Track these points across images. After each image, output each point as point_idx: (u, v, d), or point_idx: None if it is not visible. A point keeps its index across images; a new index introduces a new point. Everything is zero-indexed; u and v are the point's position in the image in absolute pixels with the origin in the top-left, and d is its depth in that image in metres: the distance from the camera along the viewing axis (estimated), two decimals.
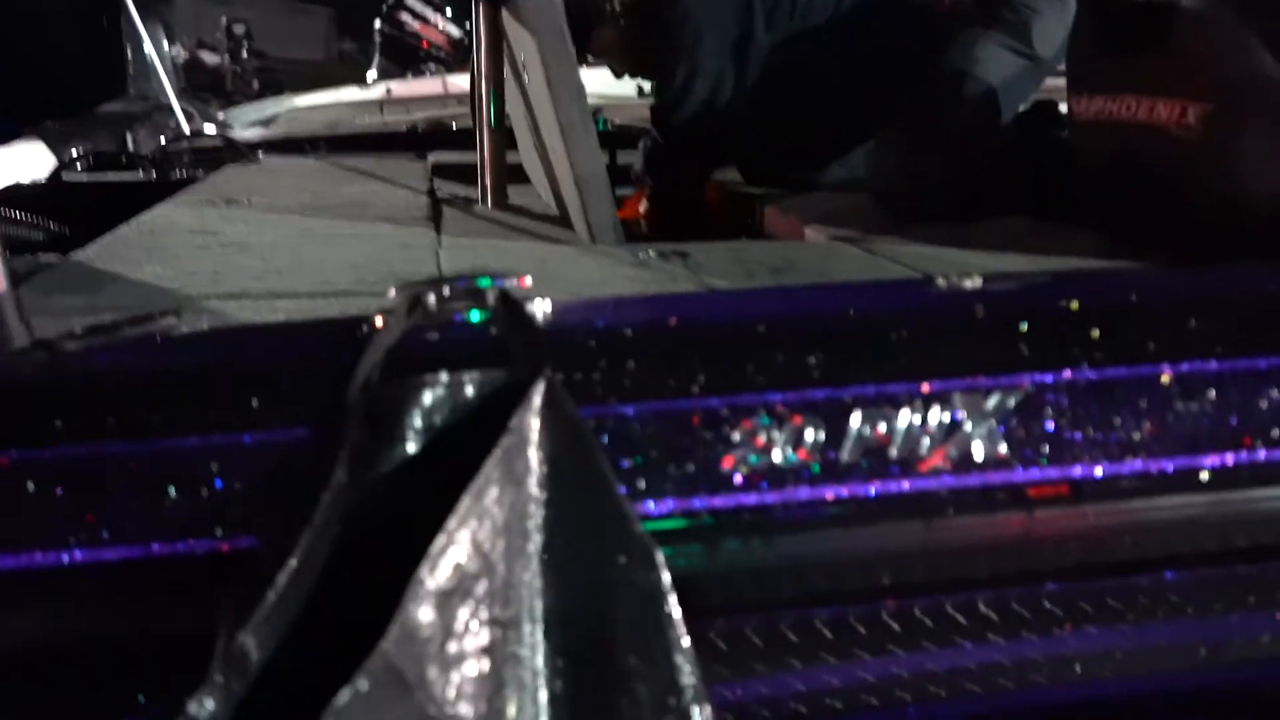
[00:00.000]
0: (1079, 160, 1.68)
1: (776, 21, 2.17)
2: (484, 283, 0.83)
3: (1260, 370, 0.85)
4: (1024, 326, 0.83)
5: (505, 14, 1.80)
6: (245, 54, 10.96)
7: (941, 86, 1.87)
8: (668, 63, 2.18)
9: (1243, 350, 0.84)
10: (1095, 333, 0.83)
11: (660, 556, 0.70)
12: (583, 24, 2.23)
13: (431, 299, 0.82)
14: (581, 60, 2.26)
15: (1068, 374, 0.81)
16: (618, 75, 2.50)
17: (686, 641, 0.64)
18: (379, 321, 0.79)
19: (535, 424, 0.70)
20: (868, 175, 1.96)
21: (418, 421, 0.74)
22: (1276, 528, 0.86)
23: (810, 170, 2.18)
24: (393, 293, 0.81)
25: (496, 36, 1.89)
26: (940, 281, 0.89)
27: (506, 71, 1.92)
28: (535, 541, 0.69)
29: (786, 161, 2.23)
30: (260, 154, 2.70)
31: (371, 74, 9.51)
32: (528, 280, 0.84)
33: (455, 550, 0.67)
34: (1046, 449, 0.80)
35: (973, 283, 0.90)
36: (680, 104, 2.17)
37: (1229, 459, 0.84)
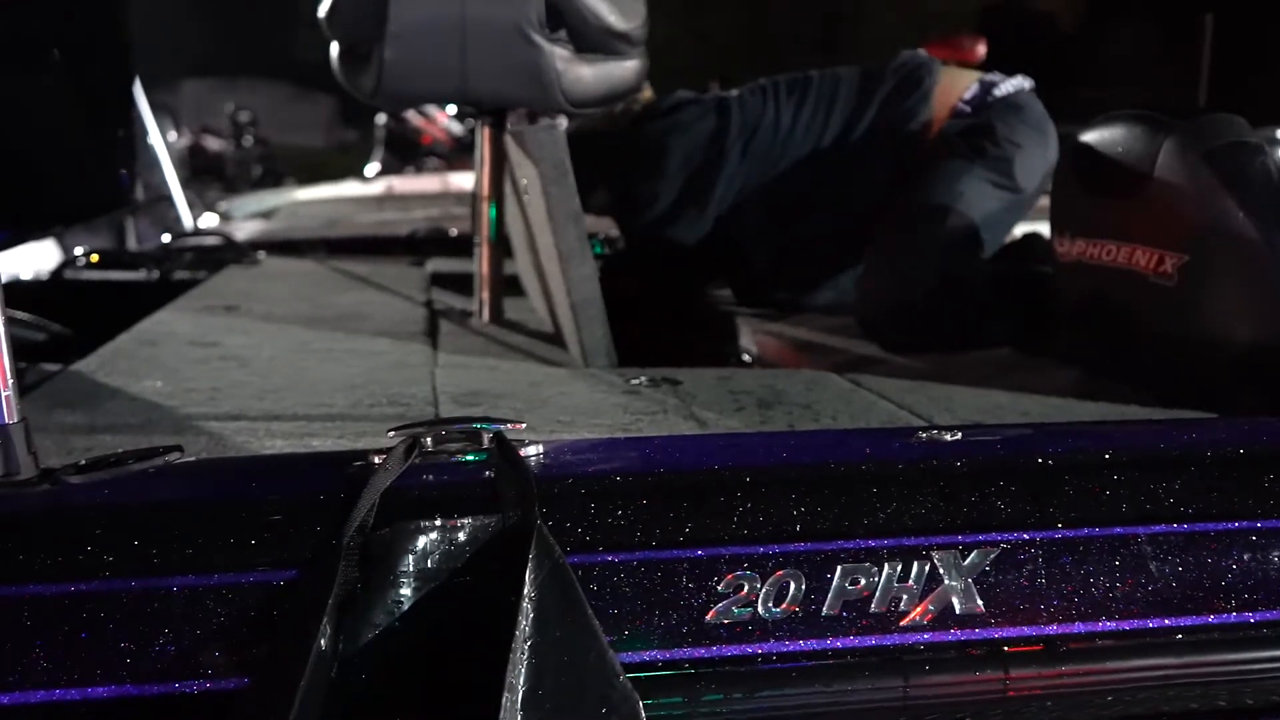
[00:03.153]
0: (1061, 297, 1.73)
1: (754, 149, 2.23)
2: (480, 425, 0.86)
3: (1232, 531, 0.88)
4: (1001, 483, 0.86)
5: (508, 137, 1.86)
6: (250, 140, 11.13)
7: (926, 218, 1.93)
8: (640, 189, 2.24)
9: (1215, 512, 0.87)
10: (1070, 491, 0.86)
11: (641, 708, 0.72)
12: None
13: (429, 440, 0.85)
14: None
15: (1043, 532, 0.84)
16: (597, 214, 2.53)
17: None
18: (376, 460, 0.81)
19: (528, 573, 0.72)
20: (854, 302, 2.00)
21: (410, 566, 0.75)
22: (1252, 689, 0.88)
23: (800, 293, 2.23)
24: (391, 434, 0.83)
25: (499, 155, 1.95)
26: (922, 434, 0.92)
27: (506, 187, 1.98)
28: (520, 690, 0.70)
29: (776, 283, 2.28)
30: (261, 253, 2.74)
31: (372, 167, 9.67)
32: (522, 424, 0.86)
33: None
34: (1023, 606, 0.82)
35: (953, 435, 0.93)
36: (642, 212, 2.23)
37: (1207, 620, 0.86)
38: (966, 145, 2.04)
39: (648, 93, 2.26)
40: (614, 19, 1.71)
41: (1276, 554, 0.87)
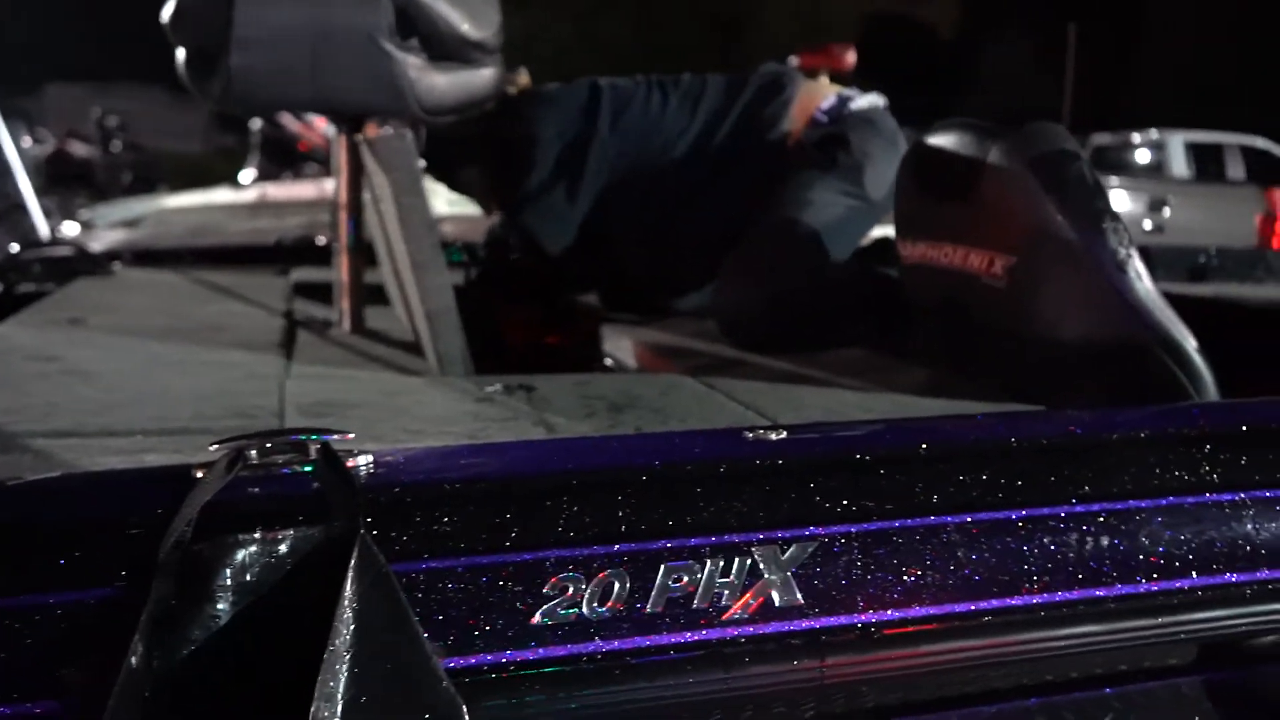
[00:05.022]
0: (910, 299, 1.80)
1: (622, 129, 2.26)
2: (307, 436, 0.86)
3: (1036, 517, 0.93)
4: (821, 479, 0.89)
5: (364, 145, 1.85)
6: (119, 146, 10.72)
7: (779, 224, 1.99)
8: (513, 175, 2.25)
9: (1020, 500, 0.92)
10: (886, 484, 0.90)
11: (464, 711, 0.73)
12: (441, 159, 2.30)
13: (253, 453, 0.84)
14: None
15: (859, 525, 0.88)
16: (487, 212, 2.56)
17: None
18: (198, 475, 0.80)
19: (347, 583, 0.72)
20: (710, 304, 2.05)
21: (229, 580, 0.75)
22: (1054, 666, 0.93)
23: (665, 297, 2.27)
24: (213, 447, 0.83)
25: (356, 163, 1.94)
26: (748, 434, 0.95)
27: (368, 195, 1.97)
28: (342, 702, 0.71)
29: (641, 288, 2.32)
30: (118, 264, 2.65)
31: (247, 174, 9.43)
32: (351, 435, 0.87)
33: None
34: (839, 597, 0.86)
35: (778, 435, 0.96)
36: (519, 212, 2.24)
37: (1012, 602, 0.91)
38: (821, 155, 2.11)
39: (525, 78, 2.27)
40: (467, 27, 1.72)
41: (1076, 537, 0.93)
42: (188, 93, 1.82)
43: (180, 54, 1.81)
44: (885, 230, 2.24)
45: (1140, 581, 0.92)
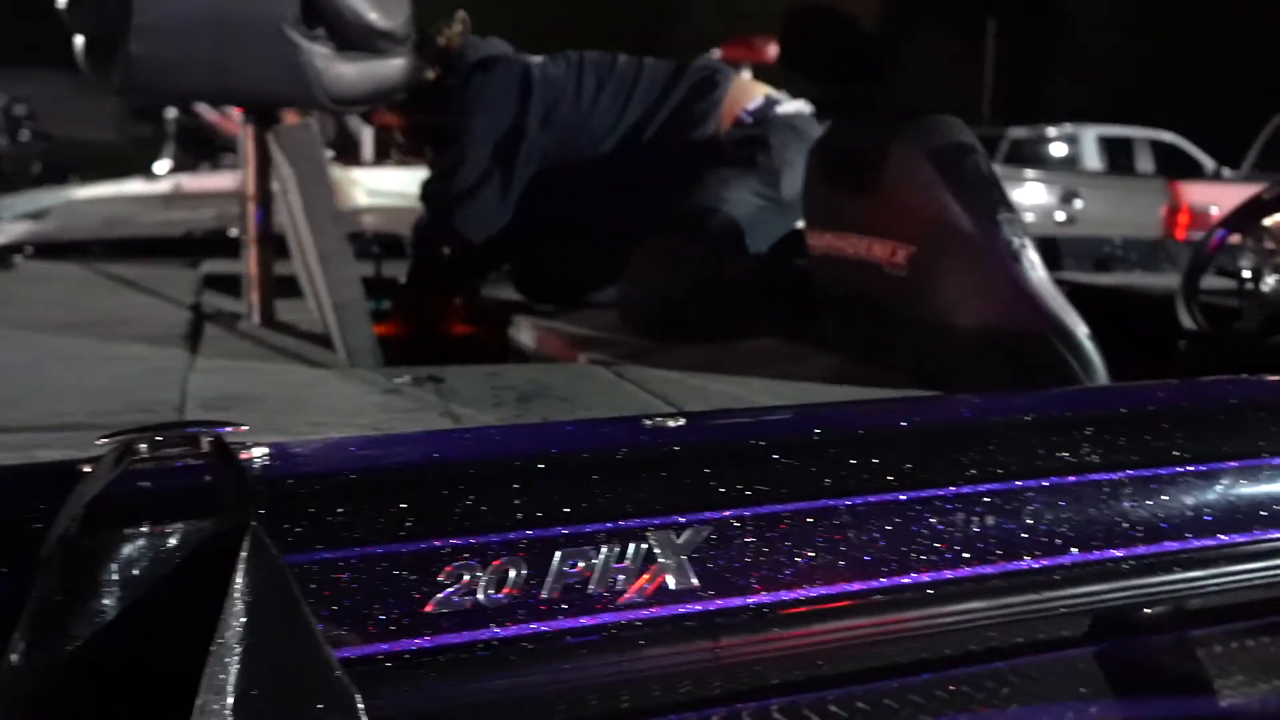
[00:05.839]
0: (817, 289, 1.83)
1: (553, 123, 2.26)
2: (199, 429, 0.85)
3: (924, 499, 0.96)
4: (716, 465, 0.91)
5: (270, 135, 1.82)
6: (27, 135, 10.37)
7: (691, 219, 2.01)
8: (441, 155, 2.23)
9: (908, 482, 0.94)
10: (779, 469, 0.92)
11: (357, 700, 0.73)
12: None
13: (143, 446, 0.83)
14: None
15: (753, 508, 0.90)
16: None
17: None
18: (86, 469, 0.79)
19: (237, 575, 0.72)
20: (619, 297, 2.06)
21: (115, 575, 0.74)
22: (946, 641, 0.96)
23: (582, 288, 2.28)
24: (101, 441, 0.81)
25: (265, 154, 1.91)
26: (646, 422, 0.97)
27: (277, 185, 1.94)
28: (233, 694, 0.70)
29: (558, 277, 2.32)
30: (20, 258, 2.58)
31: (162, 164, 9.19)
32: (244, 427, 0.86)
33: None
34: (733, 579, 0.87)
35: (676, 422, 0.98)
36: (444, 192, 2.23)
37: (901, 580, 0.94)
38: (741, 154, 2.13)
39: (459, 27, 2.24)
40: (374, 16, 1.70)
41: (962, 517, 0.96)
42: (94, 83, 1.78)
43: (78, 41, 1.76)
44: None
45: (1024, 559, 0.96)
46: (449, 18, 2.25)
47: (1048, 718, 1.04)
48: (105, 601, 0.73)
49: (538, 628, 0.82)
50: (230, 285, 2.20)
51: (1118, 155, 12.09)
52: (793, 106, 2.22)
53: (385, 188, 5.49)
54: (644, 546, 0.85)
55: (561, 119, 2.23)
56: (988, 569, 0.95)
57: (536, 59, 2.30)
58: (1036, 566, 0.96)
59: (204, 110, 8.99)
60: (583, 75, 2.26)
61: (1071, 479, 0.99)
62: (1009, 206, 1.45)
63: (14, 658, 0.68)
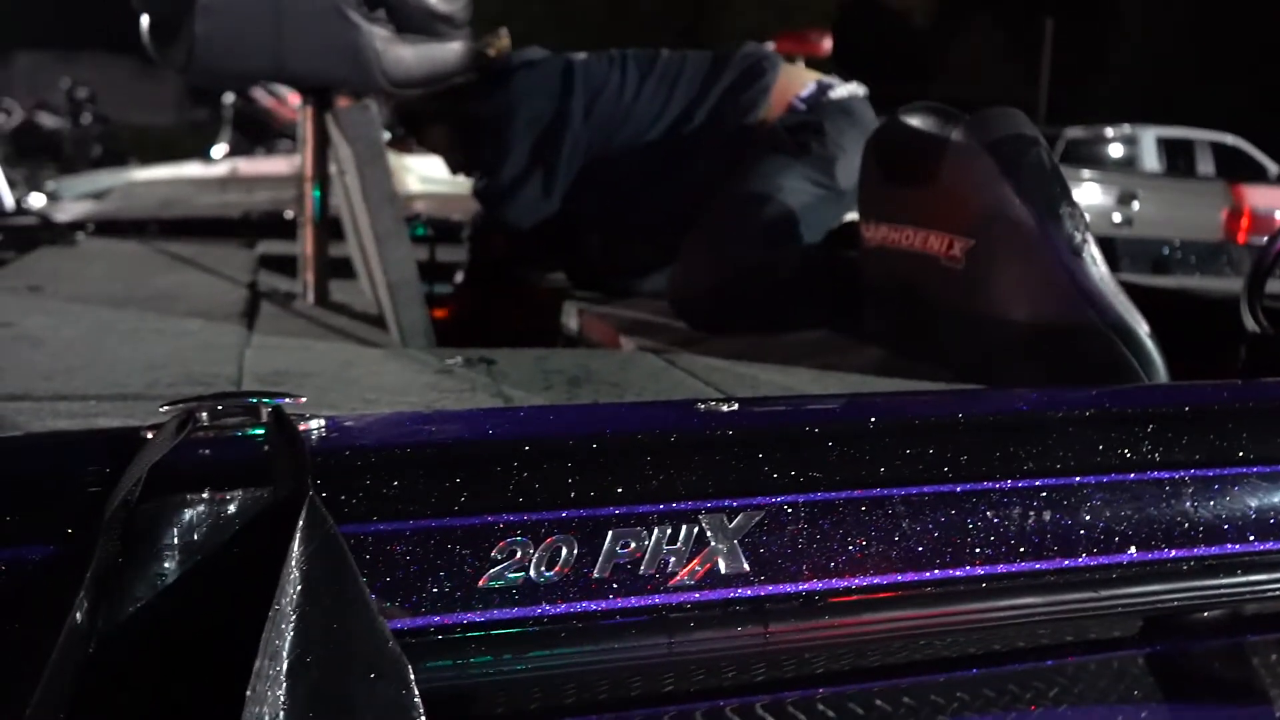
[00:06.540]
0: (868, 281, 1.82)
1: (597, 114, 2.26)
2: (259, 399, 0.86)
3: (978, 491, 0.95)
4: (769, 450, 0.91)
5: (329, 117, 1.84)
6: (89, 119, 10.55)
7: (744, 208, 1.99)
8: (486, 153, 2.24)
9: (962, 474, 0.93)
10: (832, 456, 0.91)
11: (409, 671, 0.73)
12: (415, 119, 2.29)
13: (204, 415, 0.84)
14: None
15: (805, 495, 0.89)
16: (453, 173, 2.56)
17: None
18: (148, 435, 0.80)
19: (294, 543, 0.73)
20: (668, 285, 2.06)
21: (175, 539, 0.75)
22: (996, 636, 0.95)
23: (631, 276, 2.28)
24: (164, 408, 0.83)
25: (323, 134, 1.93)
26: (699, 405, 0.96)
27: (334, 167, 1.96)
28: (287, 660, 0.71)
29: (608, 266, 2.32)
30: (82, 235, 2.63)
31: (219, 149, 9.32)
32: (303, 399, 0.87)
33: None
34: (784, 565, 0.87)
35: (729, 406, 0.97)
36: (491, 189, 2.23)
37: (953, 573, 0.92)
38: (793, 142, 2.11)
39: (505, 41, 2.26)
40: (435, 1, 1.71)
41: (1018, 511, 0.94)
42: (157, 64, 1.80)
43: (144, 21, 1.79)
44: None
45: (1080, 555, 0.94)
46: (493, 31, 2.26)
47: (1097, 718, 1.02)
48: (165, 565, 0.74)
49: (588, 606, 0.82)
50: (285, 266, 2.22)
51: (1177, 157, 11.86)
52: (846, 90, 2.20)
53: (438, 175, 5.53)
54: (696, 529, 0.84)
55: (605, 111, 2.23)
56: (1042, 564, 0.94)
57: (579, 56, 2.31)
58: (1092, 564, 0.94)
59: (260, 96, 9.10)
60: (625, 68, 2.26)
61: (1131, 476, 0.97)
62: (1071, 201, 1.42)
63: (78, 617, 0.69)
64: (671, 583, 0.84)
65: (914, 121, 1.63)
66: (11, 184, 3.62)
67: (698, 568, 0.84)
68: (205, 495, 0.76)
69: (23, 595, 0.71)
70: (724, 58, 2.28)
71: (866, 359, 1.68)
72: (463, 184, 2.79)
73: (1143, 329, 1.41)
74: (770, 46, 2.71)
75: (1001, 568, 0.93)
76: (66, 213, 3.52)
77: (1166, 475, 0.97)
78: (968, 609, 0.93)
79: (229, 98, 9.70)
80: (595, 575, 0.82)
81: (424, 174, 5.79)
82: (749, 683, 0.88)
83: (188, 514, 0.76)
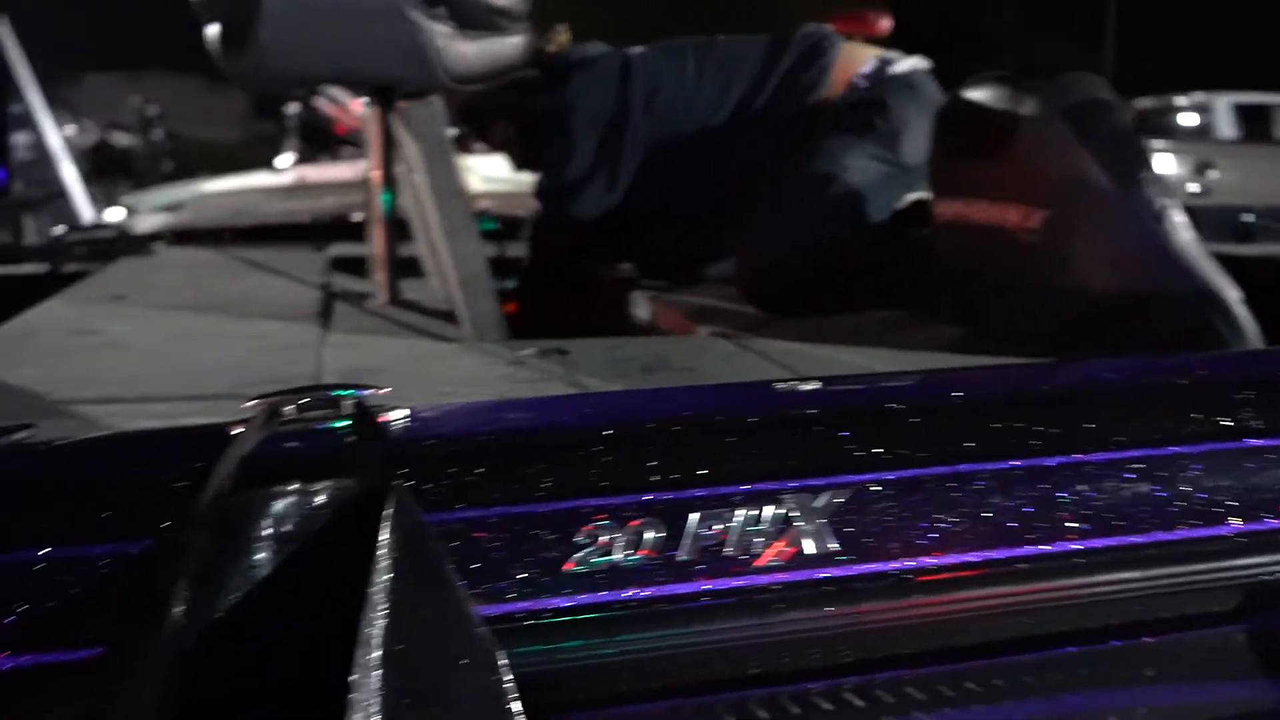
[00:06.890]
0: (941, 258, 1.78)
1: (657, 107, 2.25)
2: (342, 392, 0.87)
3: (1067, 465, 0.92)
4: (852, 429, 0.89)
5: (394, 116, 1.86)
6: (158, 135, 10.84)
7: (808, 188, 1.97)
8: (547, 150, 2.25)
9: (1051, 448, 0.91)
10: (917, 433, 0.90)
11: (498, 657, 0.73)
12: (477, 115, 2.30)
13: (289, 408, 0.85)
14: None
15: (891, 473, 0.87)
16: (517, 168, 2.57)
17: None
18: (235, 431, 0.81)
19: (383, 533, 0.73)
20: (744, 271, 2.04)
21: (267, 531, 0.76)
22: (1088, 613, 0.92)
23: (699, 265, 2.27)
24: (251, 402, 0.84)
25: (388, 135, 1.95)
26: (778, 386, 0.95)
27: (401, 167, 1.98)
28: (381, 649, 0.72)
29: (678, 254, 2.31)
30: (159, 245, 2.69)
31: (284, 159, 9.49)
32: (385, 390, 0.88)
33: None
34: (872, 545, 0.85)
35: (809, 386, 0.96)
36: (555, 186, 2.24)
37: (1045, 549, 0.90)
38: (856, 119, 2.09)
39: (564, 36, 2.27)
40: None
41: (1112, 484, 0.92)
42: (222, 80, 1.83)
43: (211, 31, 1.82)
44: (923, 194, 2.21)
45: (1176, 528, 0.91)
46: (552, 28, 2.27)
47: (1196, 696, 0.99)
48: (258, 557, 0.75)
49: (674, 589, 0.81)
50: (356, 267, 2.25)
51: (1254, 122, 11.49)
52: (908, 64, 2.16)
53: (499, 174, 5.57)
54: (781, 510, 0.83)
55: (665, 102, 2.23)
56: (1137, 538, 0.91)
57: (636, 50, 2.30)
58: (1189, 537, 0.91)
59: (322, 104, 9.24)
60: (683, 57, 2.25)
61: (1228, 445, 0.94)
62: (1150, 165, 1.38)
63: (177, 611, 0.70)
64: (757, 564, 0.83)
65: (984, 93, 1.59)
66: (90, 200, 3.72)
67: (784, 548, 0.83)
68: (294, 487, 0.77)
69: (125, 589, 0.73)
70: (782, 40, 2.26)
71: (941, 337, 1.65)
72: (525, 181, 2.80)
73: (1232, 294, 1.36)
74: (830, 29, 2.67)
75: (1096, 542, 0.91)
76: (143, 225, 3.61)
77: (1266, 443, 0.94)
78: (1061, 585, 0.90)
79: (292, 108, 9.87)
80: (680, 558, 0.81)
81: (486, 173, 5.83)
82: (835, 664, 0.87)
83: (277, 506, 0.77)
